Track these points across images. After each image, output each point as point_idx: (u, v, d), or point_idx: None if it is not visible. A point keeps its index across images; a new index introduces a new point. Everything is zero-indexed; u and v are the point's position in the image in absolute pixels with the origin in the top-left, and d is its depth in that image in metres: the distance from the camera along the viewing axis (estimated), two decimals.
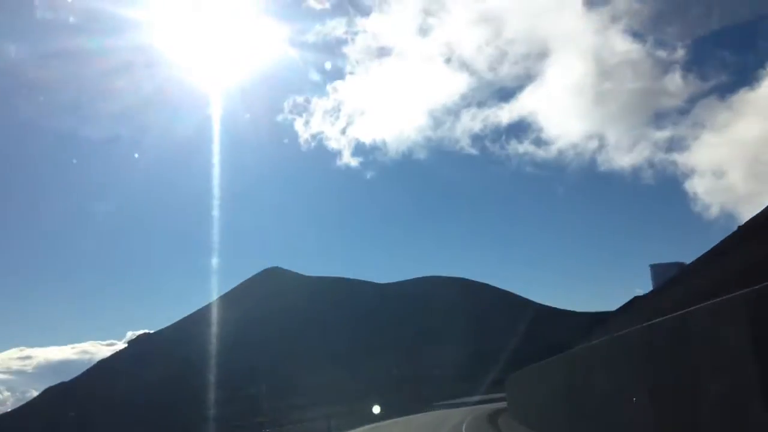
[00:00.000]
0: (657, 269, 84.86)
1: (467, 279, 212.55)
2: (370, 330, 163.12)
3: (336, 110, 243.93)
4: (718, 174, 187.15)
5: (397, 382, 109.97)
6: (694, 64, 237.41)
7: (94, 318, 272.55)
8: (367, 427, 35.20)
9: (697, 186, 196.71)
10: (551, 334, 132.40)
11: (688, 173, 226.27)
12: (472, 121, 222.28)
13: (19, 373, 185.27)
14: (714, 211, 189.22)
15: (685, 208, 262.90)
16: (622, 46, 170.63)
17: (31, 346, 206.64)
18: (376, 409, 36.06)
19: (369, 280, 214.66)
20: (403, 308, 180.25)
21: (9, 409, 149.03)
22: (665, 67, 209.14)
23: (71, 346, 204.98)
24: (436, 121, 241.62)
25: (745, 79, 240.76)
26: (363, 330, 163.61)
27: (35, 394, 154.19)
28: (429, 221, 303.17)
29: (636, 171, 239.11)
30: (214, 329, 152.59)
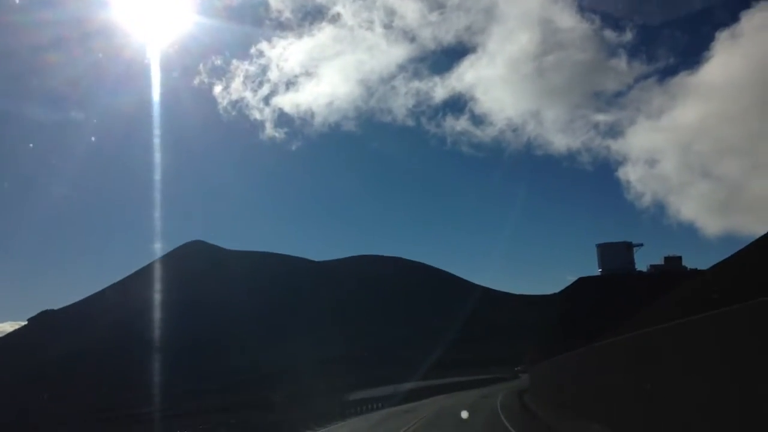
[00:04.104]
0: (605, 249, 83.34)
1: (402, 258, 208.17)
2: (294, 308, 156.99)
3: (260, 75, 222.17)
4: (651, 163, 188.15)
5: (325, 362, 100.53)
6: (640, 45, 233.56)
7: (14, 297, 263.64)
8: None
9: (630, 174, 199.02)
10: (490, 317, 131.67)
11: (621, 160, 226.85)
12: (407, 94, 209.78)
13: None
14: (646, 200, 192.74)
15: (618, 194, 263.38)
16: (570, 21, 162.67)
17: None
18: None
19: (300, 256, 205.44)
20: (335, 286, 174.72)
21: None
22: (610, 47, 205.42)
23: None
24: (369, 92, 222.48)
25: (686, 61, 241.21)
26: (285, 308, 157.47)
27: None
28: (361, 197, 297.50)
29: (572, 155, 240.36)
30: (128, 303, 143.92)
